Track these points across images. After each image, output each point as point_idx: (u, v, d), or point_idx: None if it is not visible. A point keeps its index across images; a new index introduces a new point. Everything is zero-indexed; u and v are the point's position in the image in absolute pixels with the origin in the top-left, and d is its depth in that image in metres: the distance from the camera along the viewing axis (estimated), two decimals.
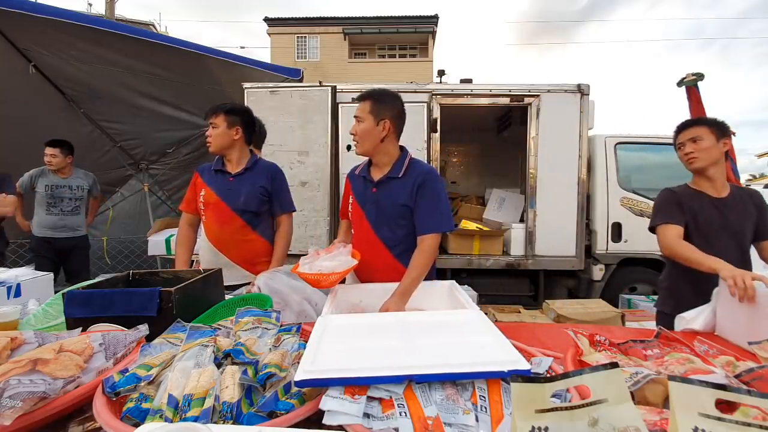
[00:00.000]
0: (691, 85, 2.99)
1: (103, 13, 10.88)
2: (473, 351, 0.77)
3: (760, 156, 20.63)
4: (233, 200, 1.83)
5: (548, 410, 0.50)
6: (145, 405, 0.65)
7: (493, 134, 5.25)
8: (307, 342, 0.82)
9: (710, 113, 2.80)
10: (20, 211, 3.17)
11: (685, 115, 3.07)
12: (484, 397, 0.64)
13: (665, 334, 1.04)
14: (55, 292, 1.35)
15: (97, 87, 3.64)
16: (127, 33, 3.17)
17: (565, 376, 0.52)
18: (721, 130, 1.62)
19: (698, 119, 1.75)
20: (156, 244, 3.84)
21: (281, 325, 0.95)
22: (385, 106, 1.51)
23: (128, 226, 4.97)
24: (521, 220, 3.85)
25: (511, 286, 3.76)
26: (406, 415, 0.61)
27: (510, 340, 0.79)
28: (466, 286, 3.08)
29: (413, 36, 19.21)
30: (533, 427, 0.49)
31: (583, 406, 0.51)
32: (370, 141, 1.52)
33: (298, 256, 1.43)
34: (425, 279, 1.40)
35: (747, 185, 6.47)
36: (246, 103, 3.35)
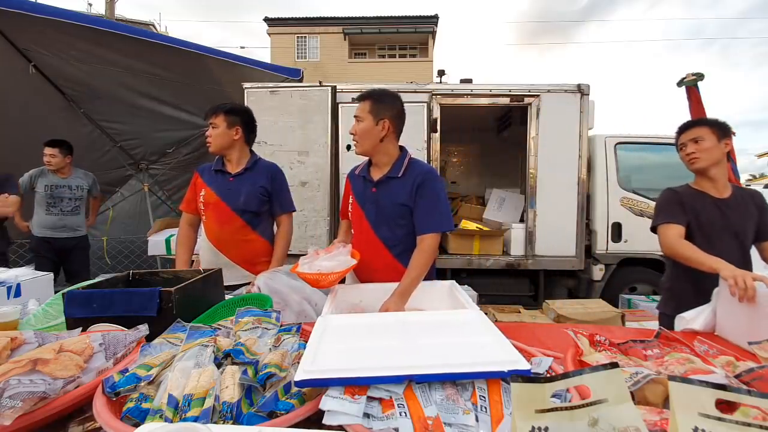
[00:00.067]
0: (691, 85, 2.99)
1: (103, 13, 10.88)
2: (473, 351, 0.77)
3: (760, 156, 20.64)
4: (233, 200, 1.83)
5: (548, 410, 0.50)
6: (145, 405, 0.65)
7: (493, 134, 5.25)
8: (307, 342, 0.82)
9: (710, 113, 2.81)
10: (19, 211, 3.17)
11: (685, 115, 3.07)
12: (484, 397, 0.64)
13: (665, 334, 1.04)
14: (55, 292, 1.35)
15: (97, 87, 3.64)
16: (127, 33, 3.17)
17: (565, 376, 0.52)
18: (723, 131, 1.62)
19: (700, 120, 1.75)
20: (156, 244, 3.85)
21: (281, 325, 0.95)
22: (385, 105, 1.52)
23: (128, 226, 4.97)
24: (521, 220, 3.85)
25: (511, 286, 3.76)
26: (406, 415, 0.61)
27: (510, 340, 0.79)
28: (466, 286, 3.08)
29: (413, 36, 19.21)
30: (533, 427, 0.49)
31: (583, 406, 0.51)
32: (370, 141, 1.52)
33: (298, 256, 1.43)
34: (425, 279, 1.40)
35: (747, 185, 6.50)
36: (246, 103, 3.35)
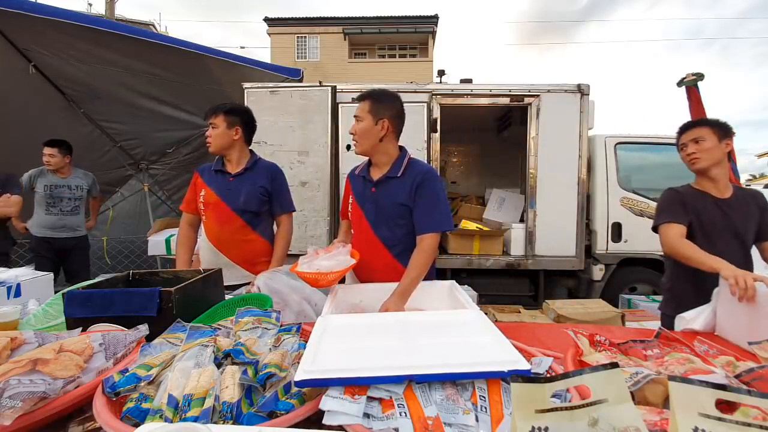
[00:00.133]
0: (691, 85, 2.99)
1: (103, 13, 10.88)
2: (473, 351, 0.77)
3: (760, 156, 20.64)
4: (233, 200, 1.83)
5: (548, 410, 0.50)
6: (145, 405, 0.65)
7: (493, 134, 5.25)
8: (307, 342, 0.82)
9: (710, 113, 2.81)
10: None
11: (686, 115, 3.07)
12: (484, 397, 0.64)
13: (665, 334, 1.04)
14: (55, 292, 1.35)
15: (96, 87, 3.64)
16: (127, 33, 3.17)
17: (565, 376, 0.52)
18: (724, 131, 1.62)
19: (701, 120, 1.75)
20: (156, 244, 3.85)
21: (281, 325, 0.95)
22: (384, 105, 1.52)
23: (128, 226, 4.97)
24: (521, 220, 3.85)
25: (511, 286, 3.76)
26: (406, 415, 0.61)
27: (510, 340, 0.79)
28: (466, 286, 3.08)
29: (413, 36, 19.21)
30: (533, 427, 0.49)
31: (583, 406, 0.51)
32: (369, 140, 1.52)
33: (297, 256, 1.43)
34: (425, 279, 1.40)
35: (747, 185, 6.50)
36: (246, 103, 3.35)
